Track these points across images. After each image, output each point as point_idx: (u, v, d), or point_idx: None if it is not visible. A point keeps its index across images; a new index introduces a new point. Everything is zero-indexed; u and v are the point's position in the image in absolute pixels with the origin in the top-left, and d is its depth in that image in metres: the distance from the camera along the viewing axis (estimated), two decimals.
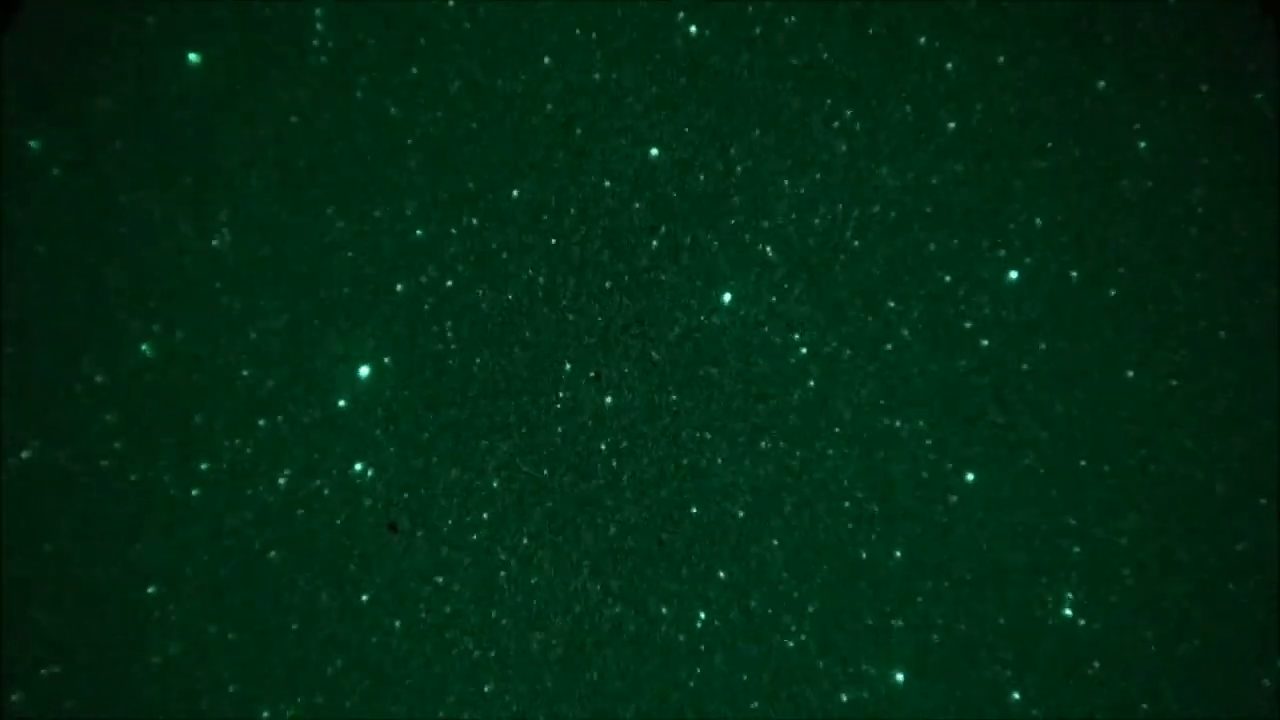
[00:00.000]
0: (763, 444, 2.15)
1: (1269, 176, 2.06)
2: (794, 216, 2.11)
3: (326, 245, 2.08)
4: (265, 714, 2.10)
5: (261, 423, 2.09)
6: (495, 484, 2.14)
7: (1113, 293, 2.10)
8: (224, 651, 2.08)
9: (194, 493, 2.07)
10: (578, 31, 2.08)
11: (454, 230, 2.10)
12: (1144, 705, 2.13)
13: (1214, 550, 2.12)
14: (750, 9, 2.08)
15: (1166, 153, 2.07)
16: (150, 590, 2.07)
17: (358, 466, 2.11)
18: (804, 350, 2.13)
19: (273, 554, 2.10)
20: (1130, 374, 2.11)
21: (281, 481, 2.10)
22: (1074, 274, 2.10)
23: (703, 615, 2.15)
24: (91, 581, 2.04)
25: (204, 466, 2.08)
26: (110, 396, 2.04)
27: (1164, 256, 2.10)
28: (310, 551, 2.10)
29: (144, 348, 2.06)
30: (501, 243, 2.11)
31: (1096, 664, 2.13)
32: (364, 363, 2.11)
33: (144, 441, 2.06)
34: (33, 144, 2.00)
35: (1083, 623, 2.13)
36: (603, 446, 2.15)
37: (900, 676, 2.14)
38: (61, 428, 2.02)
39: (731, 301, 2.14)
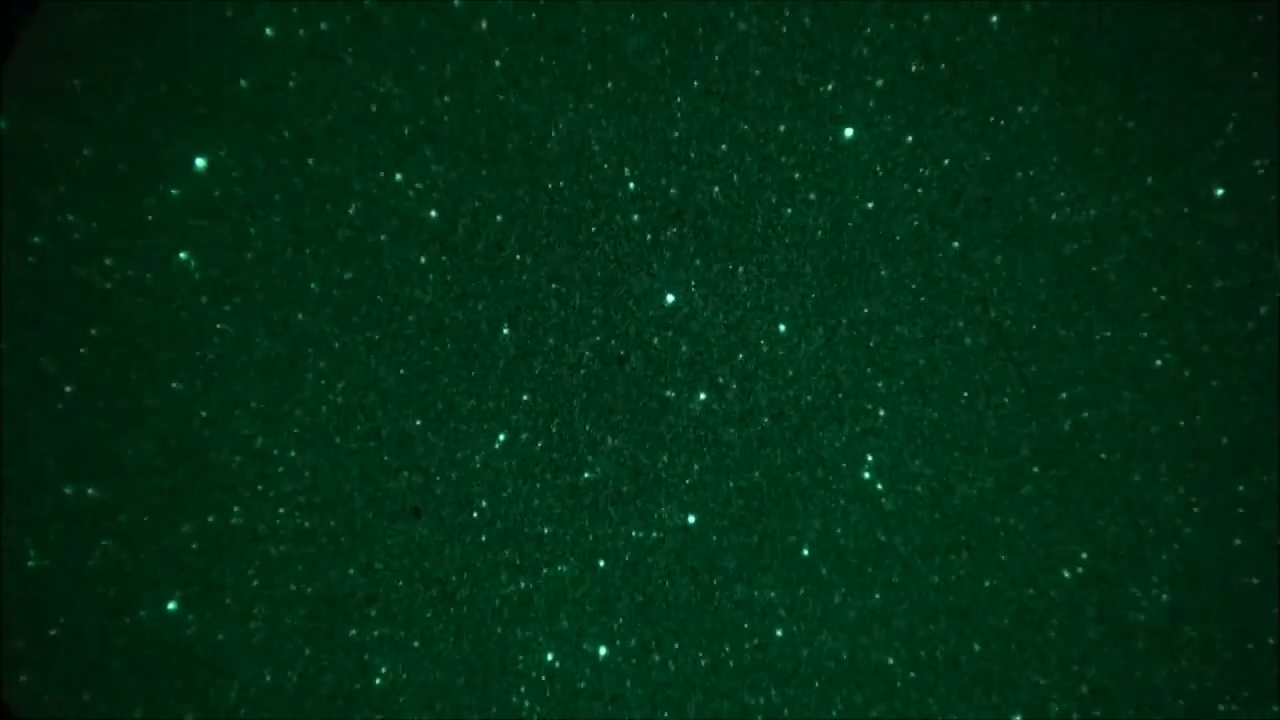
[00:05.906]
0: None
1: (1110, 34, 2.05)
2: (648, 42, 2.11)
3: (175, 35, 2.10)
4: (91, 491, 2.14)
5: (100, 205, 2.12)
6: (314, 285, 2.16)
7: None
8: (43, 431, 2.12)
9: (25, 263, 2.11)
10: None
11: (302, 31, 2.12)
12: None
13: (1050, 316, 2.11)
14: None
15: (1015, 27, 2.06)
16: None
17: (182, 255, 2.14)
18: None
19: (93, 331, 2.14)
20: (956, 246, 2.10)
21: (108, 261, 2.13)
22: (909, 139, 2.10)
23: (502, 437, 2.16)
24: None
25: (37, 240, 2.12)
26: None
27: (1012, 137, 2.09)
28: (132, 335, 2.14)
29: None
30: (350, 49, 2.13)
31: (885, 492, 2.13)
32: (201, 154, 2.14)
33: None
34: None
35: (869, 457, 2.13)
36: (425, 229, 2.16)
37: (691, 519, 2.14)
38: None
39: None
